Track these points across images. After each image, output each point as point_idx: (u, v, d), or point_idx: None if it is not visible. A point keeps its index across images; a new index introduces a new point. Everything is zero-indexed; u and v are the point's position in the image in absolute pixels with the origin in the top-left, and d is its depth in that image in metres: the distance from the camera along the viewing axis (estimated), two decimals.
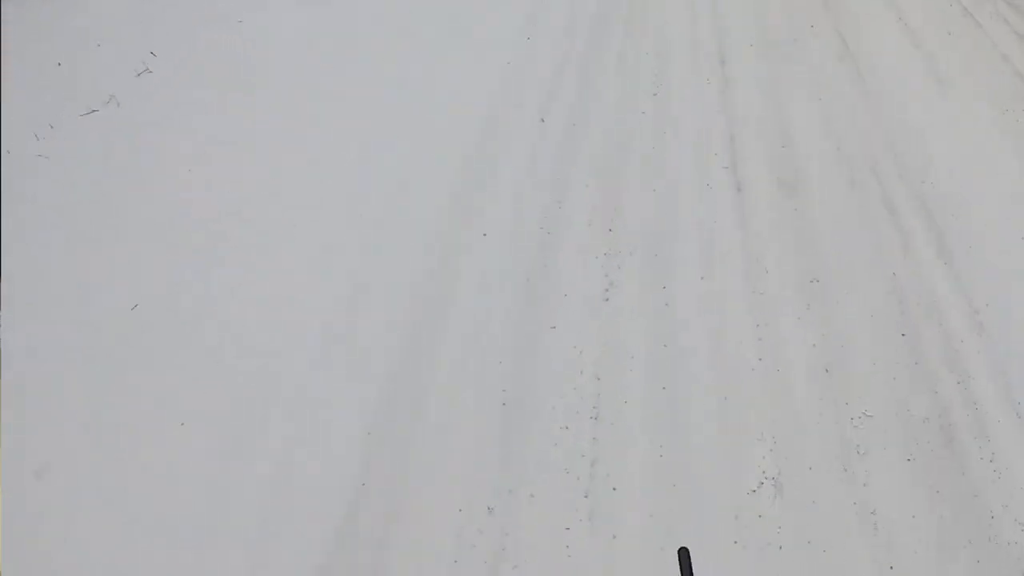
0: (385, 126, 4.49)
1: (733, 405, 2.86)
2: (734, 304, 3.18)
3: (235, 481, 2.70)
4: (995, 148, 4.24)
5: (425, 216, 3.83)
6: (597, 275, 3.25)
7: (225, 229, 3.75)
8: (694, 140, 4.00)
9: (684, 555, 1.40)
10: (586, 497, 2.59)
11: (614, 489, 2.60)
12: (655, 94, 4.30)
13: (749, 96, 4.38)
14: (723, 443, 2.75)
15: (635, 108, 4.21)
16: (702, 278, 3.27)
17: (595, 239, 3.42)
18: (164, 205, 3.80)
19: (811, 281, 3.33)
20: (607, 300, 3.16)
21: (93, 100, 4.30)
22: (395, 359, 3.07)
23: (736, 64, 4.64)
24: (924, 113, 4.39)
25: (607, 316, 3.09)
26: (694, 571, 1.39)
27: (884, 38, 5.05)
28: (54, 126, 4.10)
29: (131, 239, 3.60)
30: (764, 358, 3.01)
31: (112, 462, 2.76)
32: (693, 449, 2.72)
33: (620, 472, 2.65)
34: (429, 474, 2.65)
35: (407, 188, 4.02)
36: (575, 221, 3.50)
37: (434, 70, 5.01)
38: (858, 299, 3.28)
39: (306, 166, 4.19)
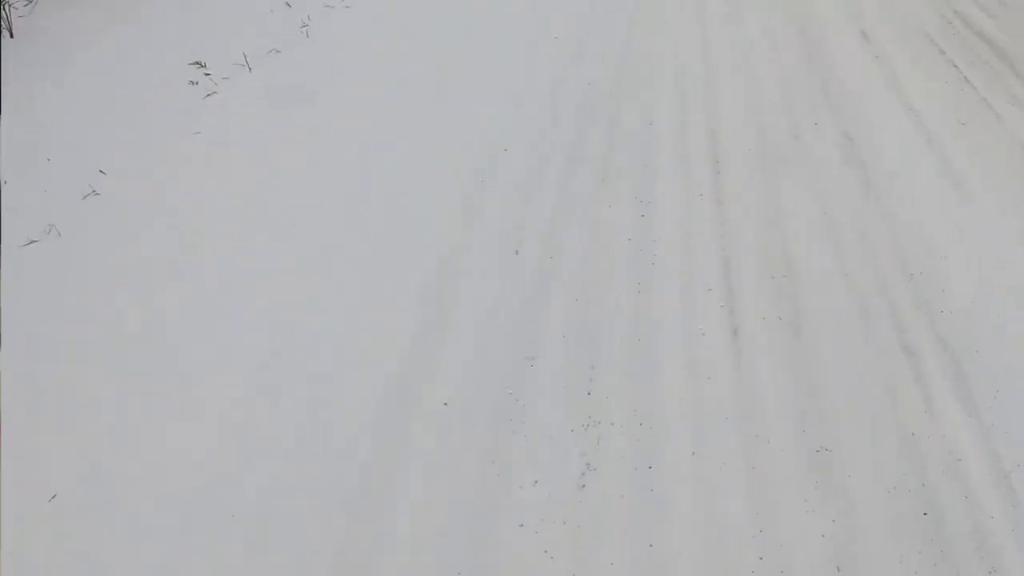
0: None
1: None
2: (731, 488, 2.77)
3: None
4: (1020, 259, 3.85)
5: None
6: (573, 454, 2.85)
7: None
8: (685, 272, 3.60)
9: None
10: None
11: None
12: (643, 215, 3.92)
13: (746, 212, 3.99)
14: None
15: (619, 234, 3.81)
16: (693, 454, 2.87)
17: (570, 406, 3.01)
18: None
19: (818, 450, 2.92)
20: (583, 487, 2.76)
21: (33, 228, 3.98)
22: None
23: (731, 173, 4.26)
24: (939, 224, 4.00)
25: (583, 508, 2.68)
26: None
27: (893, 134, 4.67)
28: None
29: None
30: (765, 556, 2.61)
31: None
32: None
33: None
34: None
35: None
36: (548, 383, 3.09)
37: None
38: (873, 470, 2.87)
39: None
